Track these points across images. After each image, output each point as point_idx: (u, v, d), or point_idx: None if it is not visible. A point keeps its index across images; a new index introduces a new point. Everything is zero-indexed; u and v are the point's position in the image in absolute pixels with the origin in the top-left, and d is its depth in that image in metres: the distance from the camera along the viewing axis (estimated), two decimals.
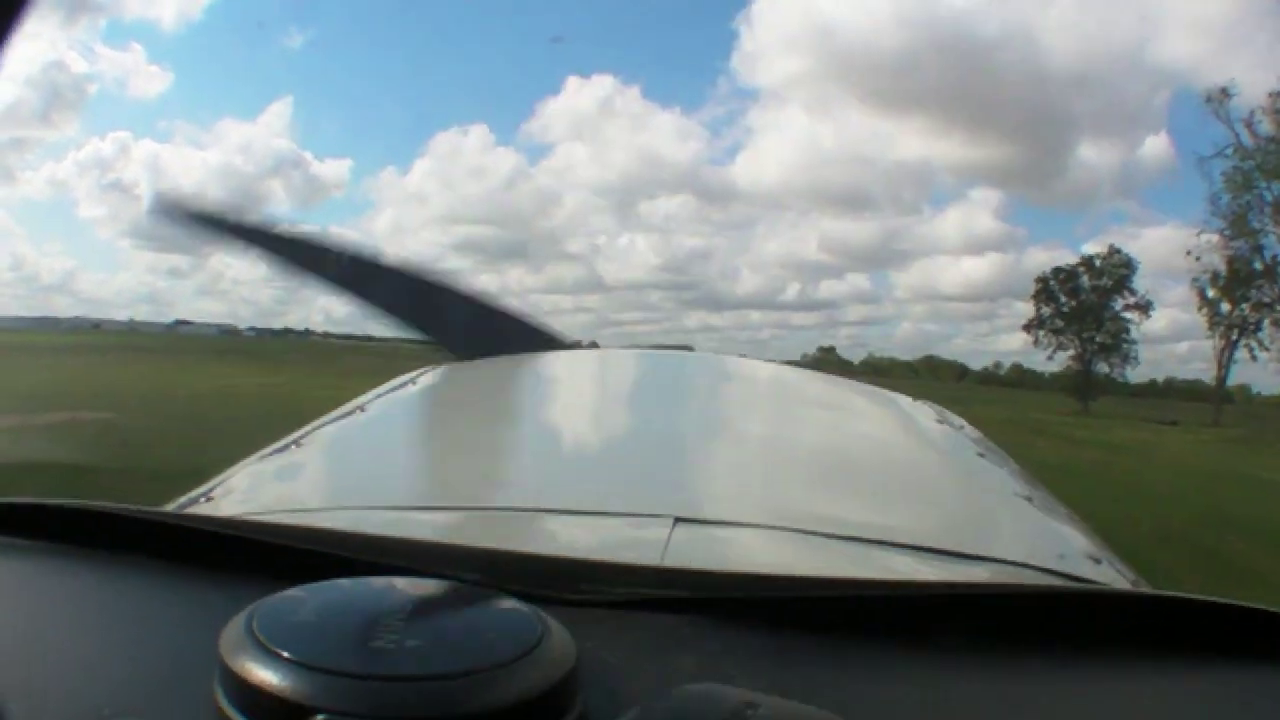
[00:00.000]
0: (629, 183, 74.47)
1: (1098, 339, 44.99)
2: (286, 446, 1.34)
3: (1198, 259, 37.50)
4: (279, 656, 0.52)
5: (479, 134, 74.94)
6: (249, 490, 1.20)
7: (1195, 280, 38.35)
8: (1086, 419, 35.69)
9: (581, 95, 73.02)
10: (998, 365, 65.15)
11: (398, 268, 2.36)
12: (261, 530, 0.79)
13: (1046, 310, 46.13)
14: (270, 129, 74.03)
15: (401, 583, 0.63)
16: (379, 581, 0.63)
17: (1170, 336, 56.38)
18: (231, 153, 71.33)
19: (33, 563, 0.80)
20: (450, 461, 1.32)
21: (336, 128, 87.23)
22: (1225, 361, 39.15)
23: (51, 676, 0.61)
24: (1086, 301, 45.36)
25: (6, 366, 27.54)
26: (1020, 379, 59.42)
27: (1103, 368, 45.45)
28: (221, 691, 0.53)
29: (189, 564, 0.76)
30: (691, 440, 1.47)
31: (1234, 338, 38.38)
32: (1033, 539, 1.18)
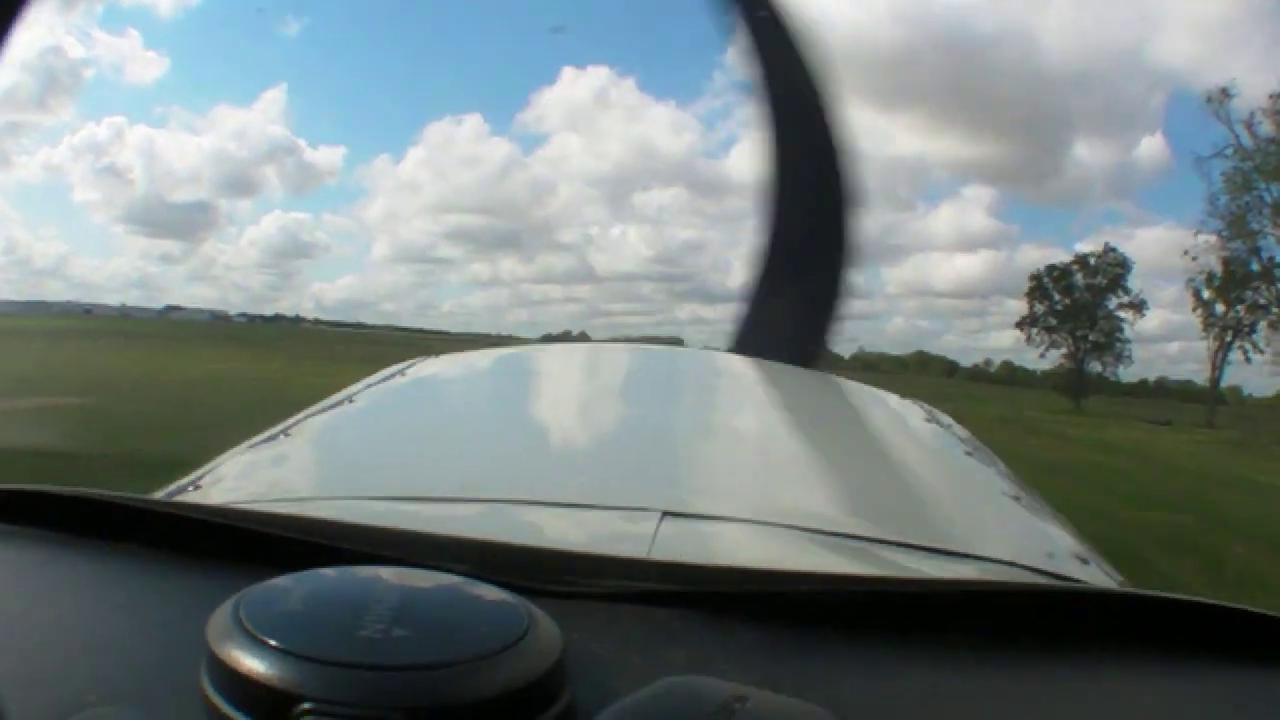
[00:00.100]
0: (623, 174, 74.22)
1: (1091, 337, 44.98)
2: (275, 436, 1.35)
3: (1194, 259, 37.49)
4: (266, 645, 0.52)
5: (473, 123, 74.64)
6: (238, 479, 1.20)
7: (1190, 281, 38.36)
8: (1079, 417, 35.66)
9: (577, 86, 72.69)
10: (988, 362, 65.09)
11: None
12: (250, 519, 0.79)
13: (1040, 308, 46.07)
14: (265, 115, 73.36)
15: (389, 573, 0.62)
16: (366, 571, 0.63)
17: (1162, 336, 56.55)
18: (226, 139, 70.59)
19: (19, 549, 0.80)
20: (439, 453, 1.32)
21: (330, 115, 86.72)
22: (1219, 363, 39.19)
23: (38, 663, 0.61)
24: (1080, 300, 45.27)
25: None
26: (1010, 376, 59.39)
27: (1095, 366, 45.51)
28: (208, 679, 0.53)
29: (177, 552, 0.77)
30: (679, 435, 1.47)
31: (1228, 339, 38.44)
32: (1020, 538, 1.19)
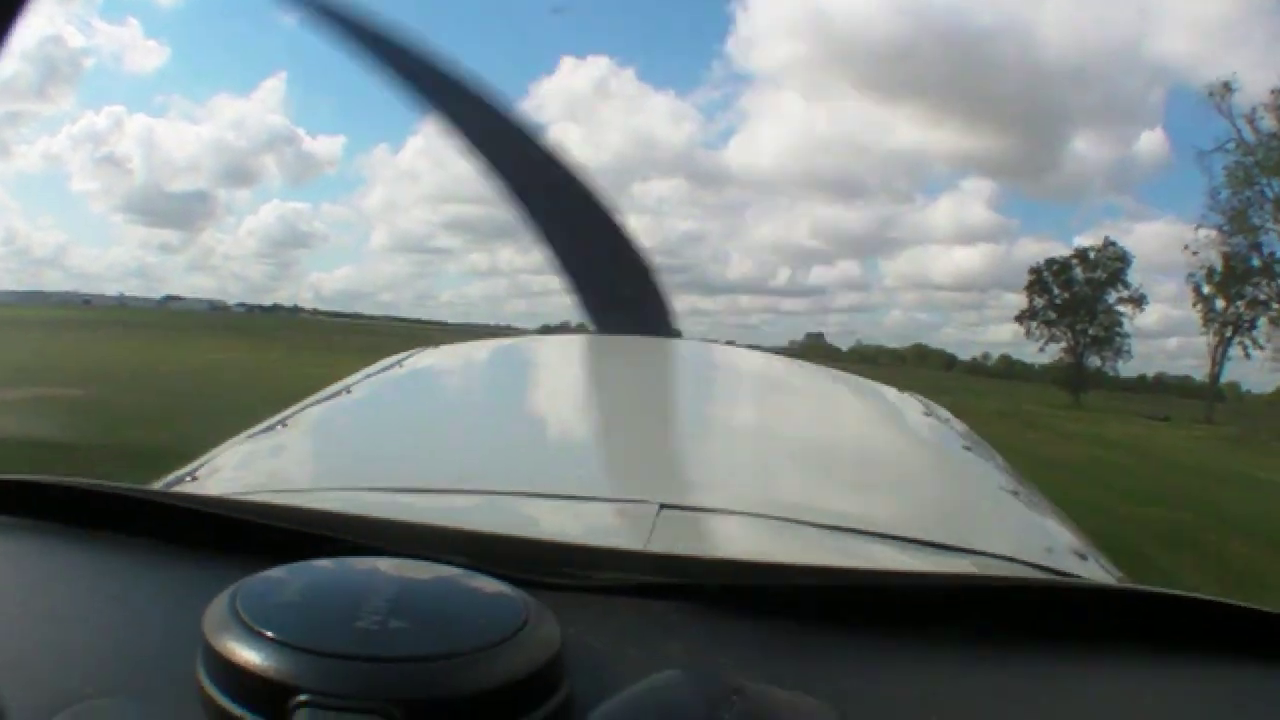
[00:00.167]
0: (622, 164, 73.99)
1: (1090, 332, 44.94)
2: (273, 426, 1.34)
3: (1195, 254, 37.40)
4: (262, 636, 0.52)
5: None
6: (235, 470, 1.20)
7: (1191, 276, 38.28)
8: (1077, 412, 35.63)
9: (576, 75, 72.79)
10: (986, 356, 65.01)
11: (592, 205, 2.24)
12: (246, 510, 0.78)
13: (1039, 301, 46.01)
14: (264, 105, 73.43)
15: (386, 564, 0.62)
16: (363, 562, 0.62)
17: (1161, 332, 56.40)
18: (225, 128, 70.63)
19: (16, 539, 0.80)
20: (436, 444, 1.31)
21: (330, 104, 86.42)
22: (1219, 359, 39.12)
23: (34, 654, 0.60)
24: (1080, 294, 45.21)
25: None
26: (1009, 370, 59.37)
27: (1094, 361, 45.46)
28: (204, 670, 0.53)
29: (173, 543, 0.76)
30: (677, 427, 1.47)
31: (1228, 335, 38.36)
32: (1018, 533, 1.20)
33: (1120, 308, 45.17)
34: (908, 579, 0.80)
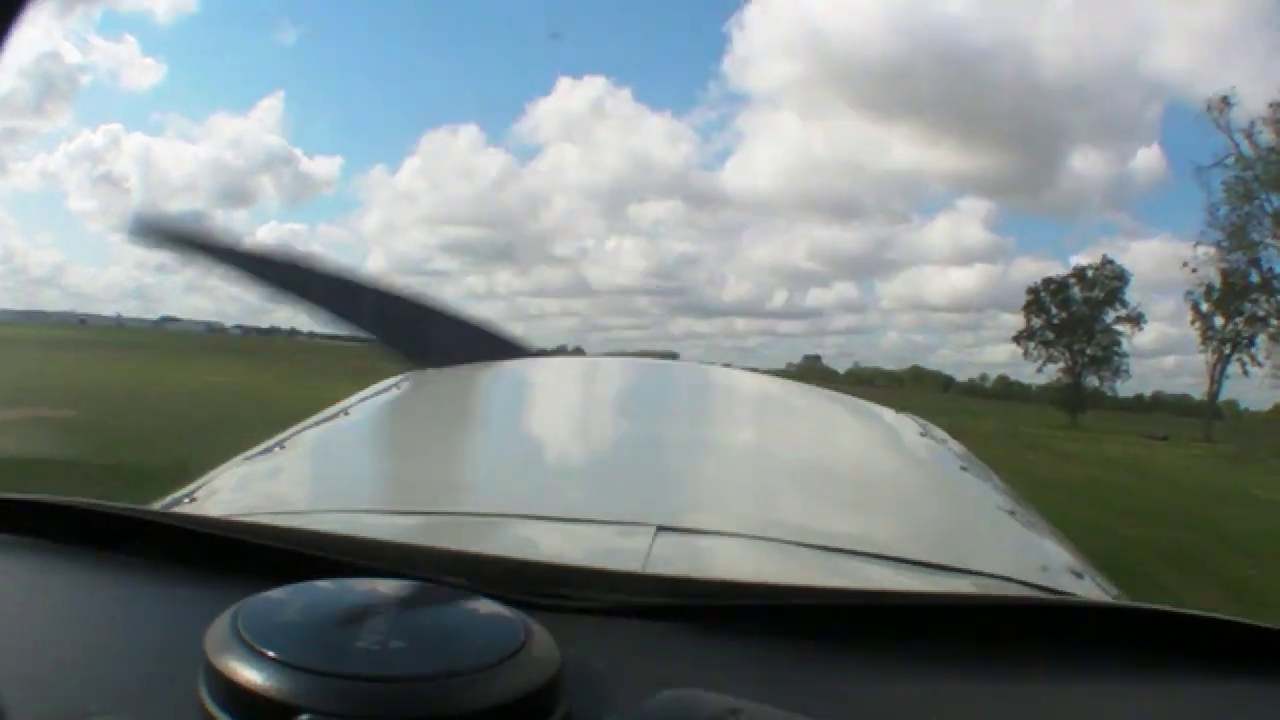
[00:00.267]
0: (618, 186, 74.46)
1: (1089, 351, 44.98)
2: (271, 448, 1.35)
3: (1194, 271, 37.39)
4: (264, 656, 0.53)
5: (469, 133, 75.00)
6: (234, 491, 1.20)
7: (1189, 293, 38.27)
8: (1076, 432, 35.60)
9: (573, 96, 73.12)
10: (983, 377, 65.28)
11: (375, 286, 2.33)
12: (246, 530, 0.79)
13: (1037, 321, 46.11)
14: (262, 124, 73.84)
15: (386, 585, 0.63)
16: (364, 583, 0.63)
17: (1158, 350, 56.58)
18: (222, 147, 71.07)
19: (17, 558, 0.80)
20: (434, 466, 1.32)
21: (327, 125, 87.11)
22: (1218, 376, 39.10)
23: (36, 673, 0.60)
24: (1078, 313, 45.33)
25: None
26: (1006, 391, 59.42)
27: (1093, 380, 45.46)
28: (206, 690, 0.53)
29: (174, 563, 0.77)
30: (675, 449, 1.46)
31: (1227, 352, 38.33)
32: (1014, 552, 1.19)
33: (1118, 327, 45.36)
34: (905, 599, 0.80)
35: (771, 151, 72.17)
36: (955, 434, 1.90)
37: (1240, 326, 37.81)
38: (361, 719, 0.50)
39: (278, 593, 0.60)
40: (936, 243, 71.43)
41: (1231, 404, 46.66)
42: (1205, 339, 38.55)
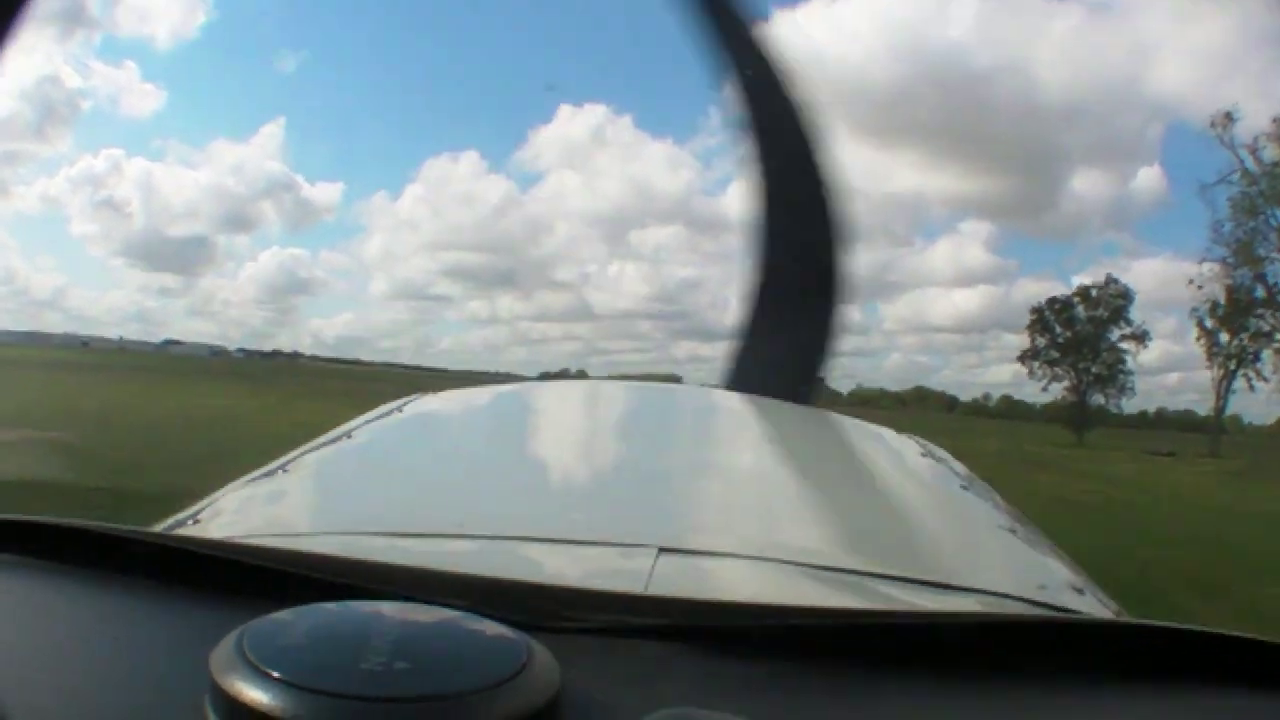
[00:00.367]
0: (620, 212, 74.21)
1: (1094, 369, 44.81)
2: (274, 471, 1.35)
3: (1200, 287, 37.32)
4: (270, 677, 0.53)
5: (470, 160, 74.91)
6: (237, 513, 1.20)
7: (1194, 310, 38.20)
8: (1083, 451, 35.48)
9: (574, 123, 72.95)
10: (987, 397, 65.03)
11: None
12: (250, 553, 0.79)
13: (1042, 341, 45.98)
14: (263, 150, 73.56)
15: (389, 607, 0.63)
16: (367, 605, 0.63)
17: (1161, 368, 56.59)
18: (223, 173, 70.77)
19: (22, 579, 0.80)
20: (437, 489, 1.31)
21: (329, 151, 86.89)
22: (1224, 392, 38.91)
23: (42, 694, 0.61)
24: (1082, 332, 45.20)
25: None
26: (1010, 410, 59.26)
27: (1098, 399, 45.27)
28: (212, 710, 0.54)
29: (178, 585, 0.76)
30: (676, 471, 1.47)
31: (1232, 368, 38.14)
32: (1016, 571, 1.20)
33: (1123, 345, 45.16)
34: (905, 618, 0.80)
35: None
36: (963, 456, 1.88)
37: (1245, 342, 37.78)
38: None
39: (283, 614, 0.60)
40: (939, 265, 71.29)
41: (1235, 419, 46.45)
42: (1211, 355, 38.52)
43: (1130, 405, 47.35)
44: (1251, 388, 38.02)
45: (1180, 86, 62.34)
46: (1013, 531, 1.34)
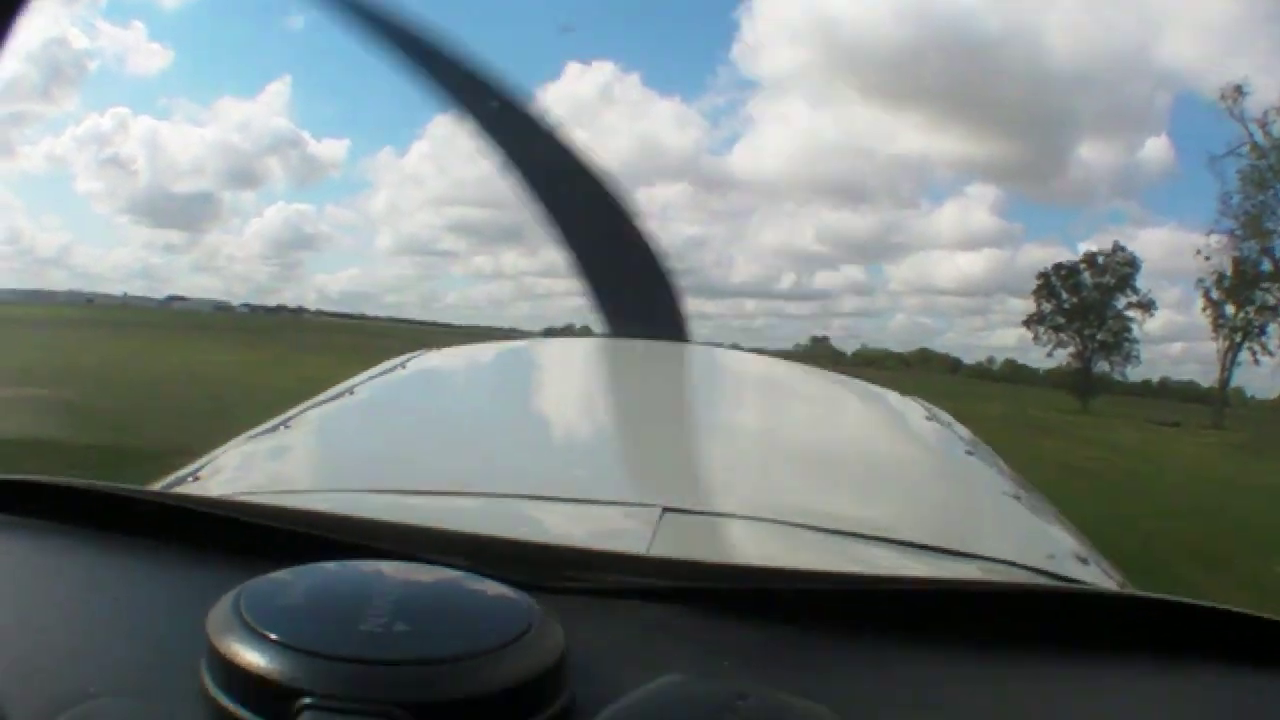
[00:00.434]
0: (627, 170, 73.38)
1: (1099, 337, 44.66)
2: (275, 427, 1.34)
3: (1207, 259, 37.18)
4: (266, 638, 0.53)
5: None
6: (237, 470, 1.20)
7: (1200, 281, 38.02)
8: (1088, 417, 35.43)
9: (582, 81, 72.07)
10: (990, 360, 64.77)
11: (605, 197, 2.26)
12: (249, 511, 0.78)
13: (1048, 306, 45.78)
14: (269, 108, 72.86)
15: (390, 567, 0.62)
16: (367, 565, 0.62)
17: (1165, 337, 56.22)
18: (230, 130, 70.02)
19: (19, 539, 0.80)
20: (439, 446, 1.30)
21: (335, 109, 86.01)
22: (1228, 364, 38.77)
23: (38, 654, 0.60)
24: (1089, 299, 44.98)
25: None
26: (1014, 374, 59.14)
27: (1103, 366, 45.16)
28: (209, 672, 0.53)
29: (176, 544, 0.76)
30: (680, 431, 1.46)
31: (1238, 340, 38.01)
32: (1020, 538, 1.18)
33: (1129, 313, 45.00)
34: (910, 584, 0.80)
35: (780, 137, 71.28)
36: (966, 419, 1.87)
37: (1251, 315, 37.63)
38: (365, 702, 0.49)
39: (281, 574, 0.59)
40: (944, 228, 70.96)
41: (1239, 391, 46.33)
42: (1216, 327, 38.37)
43: (1135, 374, 47.37)
44: (1256, 361, 37.92)
45: (1190, 58, 61.50)
46: (1017, 498, 1.34)
